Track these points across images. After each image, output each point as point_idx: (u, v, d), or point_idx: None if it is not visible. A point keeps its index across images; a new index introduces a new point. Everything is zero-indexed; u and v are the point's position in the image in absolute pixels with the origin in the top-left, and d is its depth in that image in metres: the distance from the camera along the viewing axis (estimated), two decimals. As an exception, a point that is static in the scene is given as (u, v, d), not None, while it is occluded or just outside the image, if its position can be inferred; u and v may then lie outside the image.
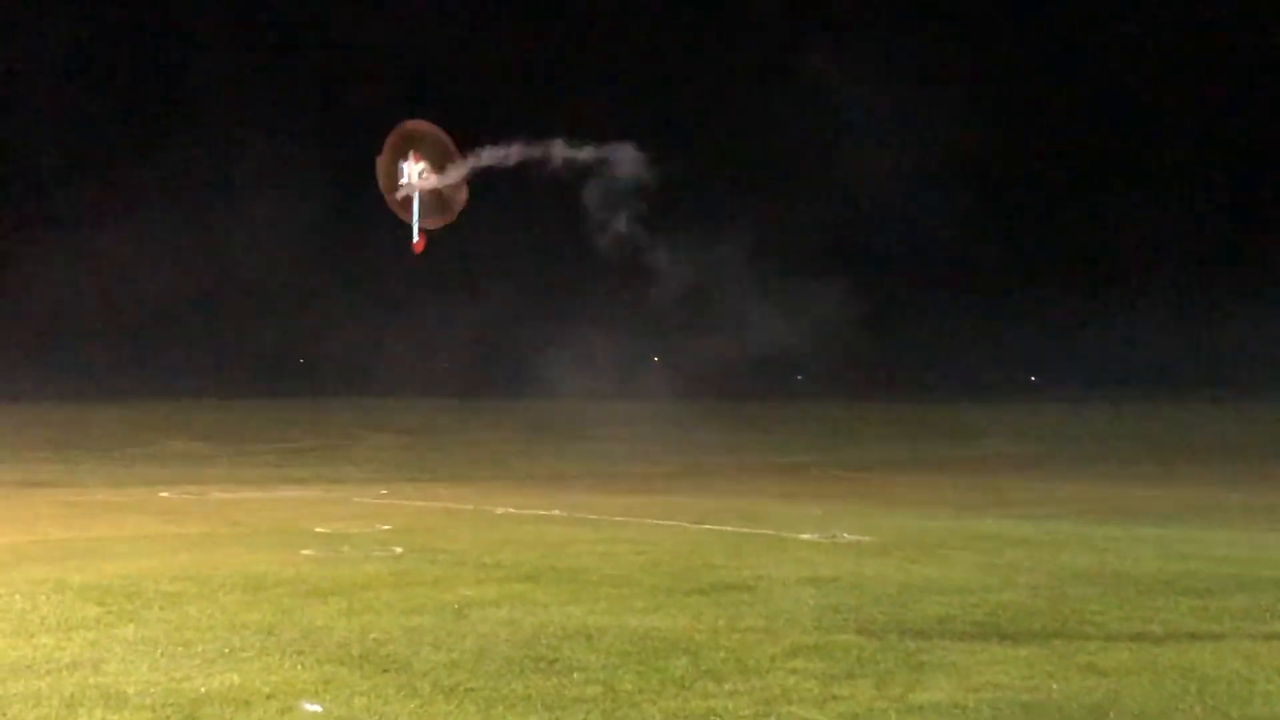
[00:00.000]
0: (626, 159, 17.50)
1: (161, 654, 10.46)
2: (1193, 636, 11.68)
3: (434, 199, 16.19)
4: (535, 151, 17.24)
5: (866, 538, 18.59)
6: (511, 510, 23.12)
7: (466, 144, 16.39)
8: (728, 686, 9.66)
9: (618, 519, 21.49)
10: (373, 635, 11.30)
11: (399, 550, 17.13)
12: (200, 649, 10.65)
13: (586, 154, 17.47)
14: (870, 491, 28.21)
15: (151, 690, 9.32)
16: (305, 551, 16.92)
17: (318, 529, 19.96)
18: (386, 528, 20.12)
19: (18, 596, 13.06)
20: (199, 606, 12.58)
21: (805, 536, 18.78)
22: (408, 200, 16.02)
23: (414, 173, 15.99)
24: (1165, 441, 43.75)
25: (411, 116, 16.94)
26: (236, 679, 9.65)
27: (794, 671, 10.12)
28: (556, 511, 22.81)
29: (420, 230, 16.12)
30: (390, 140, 16.08)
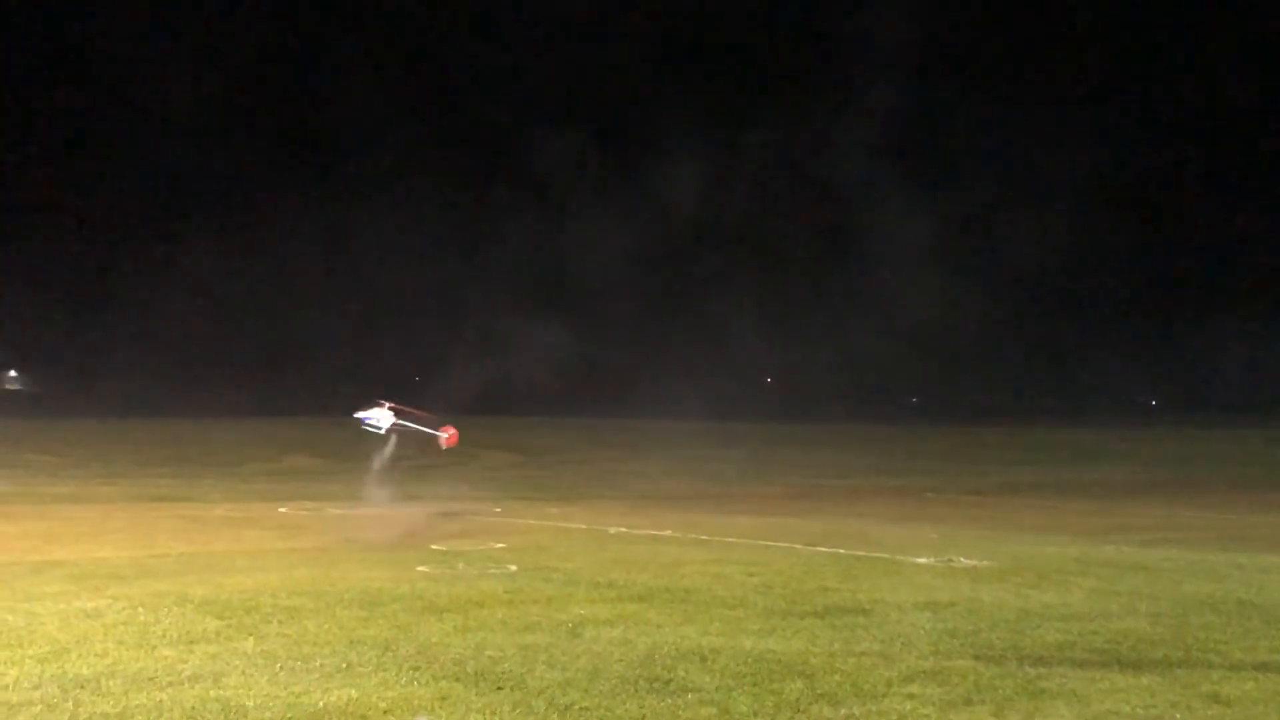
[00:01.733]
0: None
1: (280, 668, 10.60)
2: (1321, 668, 11.39)
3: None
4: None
5: (983, 562, 18.36)
6: (624, 530, 23.15)
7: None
8: (844, 711, 9.59)
9: (729, 540, 21.43)
10: (488, 652, 11.36)
11: (513, 568, 17.22)
12: (318, 664, 10.78)
13: None
14: (987, 516, 27.87)
15: (271, 704, 9.44)
16: (421, 568, 17.07)
17: (433, 546, 20.12)
18: (501, 545, 20.24)
19: (140, 610, 13.30)
20: (316, 621, 12.74)
21: (921, 560, 18.59)
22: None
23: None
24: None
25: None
26: (354, 694, 9.75)
27: (911, 697, 10.02)
28: (668, 532, 22.79)
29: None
30: None
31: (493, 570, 17.00)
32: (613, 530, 23.06)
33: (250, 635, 11.98)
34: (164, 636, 11.89)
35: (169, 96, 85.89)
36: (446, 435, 23.50)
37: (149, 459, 46.65)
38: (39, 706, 9.32)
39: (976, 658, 11.60)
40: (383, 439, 22.65)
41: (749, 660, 11.26)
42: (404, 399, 23.39)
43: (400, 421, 22.40)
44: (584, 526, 23.78)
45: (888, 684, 10.44)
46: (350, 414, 23.09)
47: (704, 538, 21.79)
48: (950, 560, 18.59)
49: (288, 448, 53.47)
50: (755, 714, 9.42)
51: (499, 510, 27.93)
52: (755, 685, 10.30)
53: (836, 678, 10.62)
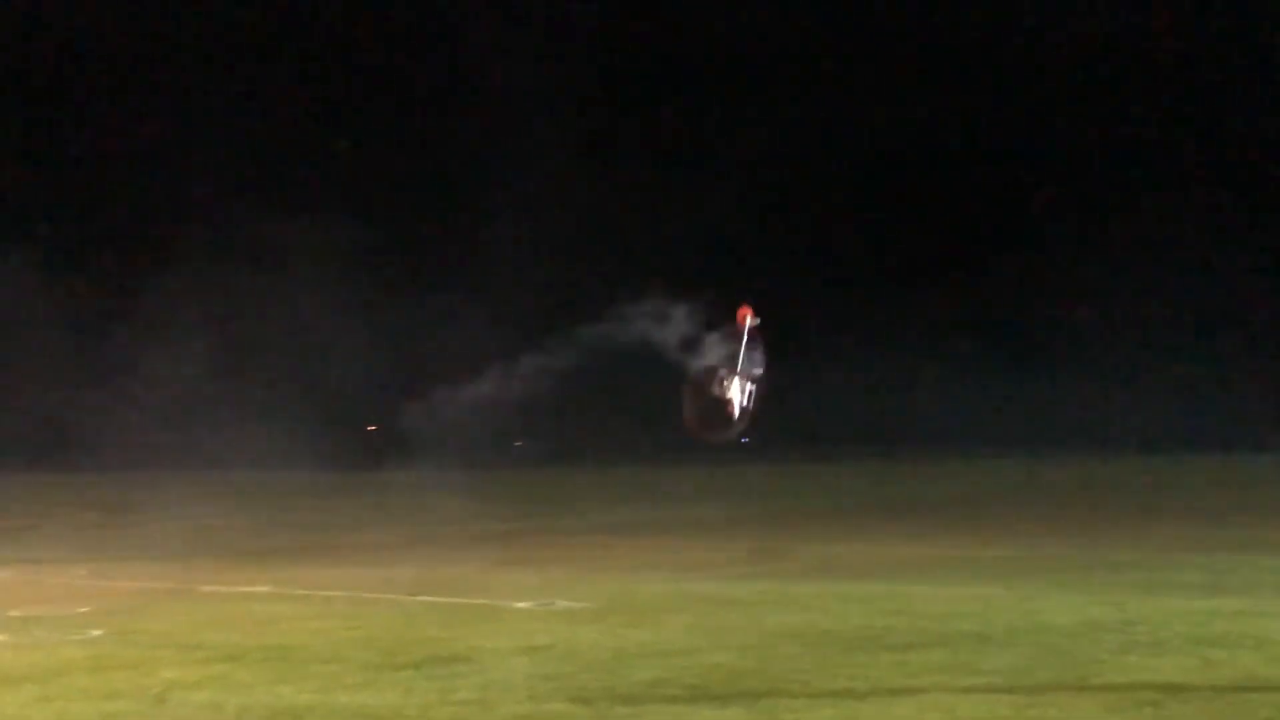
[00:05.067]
0: None
1: None
2: (893, 692, 12.05)
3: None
4: None
5: (582, 604, 18.64)
6: (217, 588, 22.45)
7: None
8: (436, 763, 9.54)
9: (330, 593, 21.08)
10: (66, 724, 10.82)
11: (97, 633, 16.47)
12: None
13: None
14: (587, 556, 28.31)
15: None
16: (-3, 637, 16.12)
17: (11, 612, 19.00)
18: (84, 609, 19.27)
19: None
20: None
21: (521, 605, 18.73)
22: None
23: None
24: (866, 498, 45.15)
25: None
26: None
27: (504, 744, 10.06)
28: (265, 588, 22.23)
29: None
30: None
31: (75, 636, 16.22)
32: (205, 588, 22.33)
33: None
34: None
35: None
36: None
37: None
38: None
39: (571, 700, 11.77)
40: None
41: (343, 717, 11.10)
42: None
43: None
44: (174, 585, 22.93)
45: (482, 732, 10.46)
46: None
47: (303, 592, 21.36)
48: (549, 603, 18.80)
49: None
50: (347, 772, 9.28)
51: (84, 572, 26.62)
52: (348, 742, 10.14)
53: (431, 729, 10.57)
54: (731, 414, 13.12)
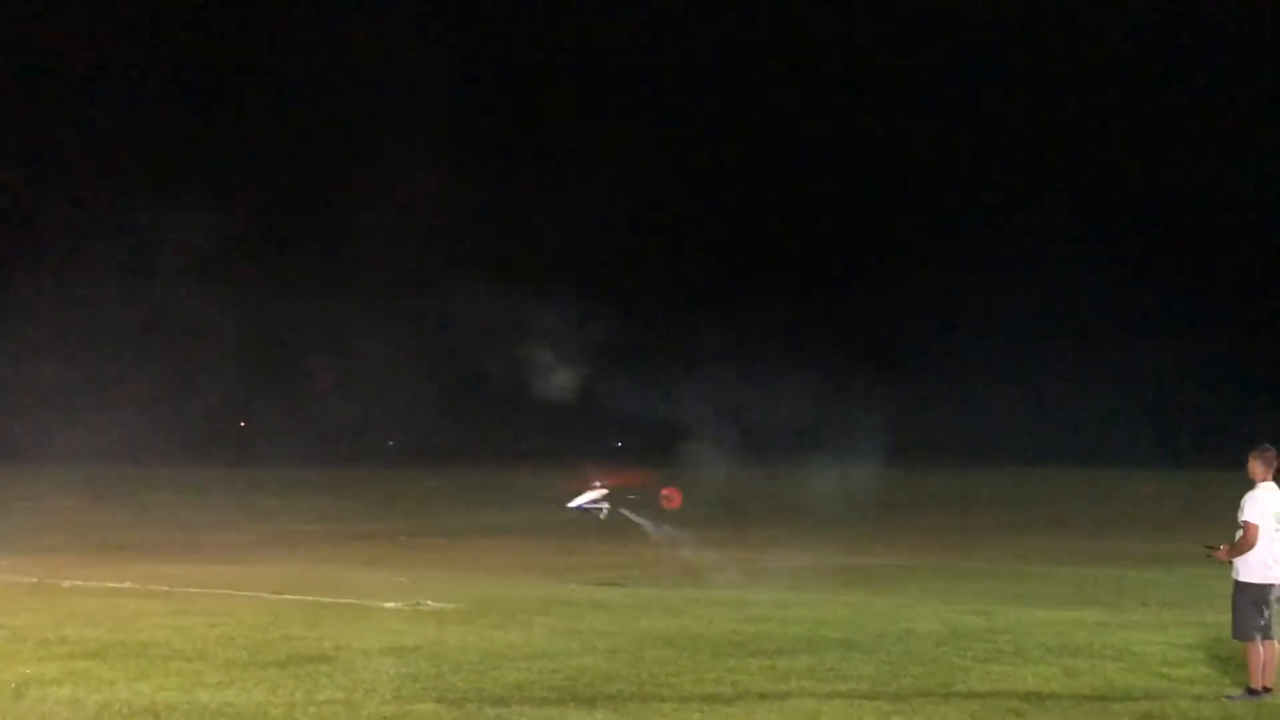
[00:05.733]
0: None
1: None
2: (761, 696, 12.11)
3: None
4: None
5: (450, 605, 18.53)
6: (79, 582, 21.99)
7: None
8: (299, 762, 9.41)
9: (193, 590, 20.74)
10: (-84, 720, 10.52)
11: (-49, 628, 16.02)
12: None
13: None
14: (458, 558, 28.15)
15: None
16: None
17: None
18: (-61, 604, 18.78)
19: None
20: None
21: (389, 605, 18.57)
22: None
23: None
24: (741, 506, 45.39)
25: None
26: None
27: (369, 744, 9.95)
28: (128, 583, 21.82)
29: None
30: None
31: (-71, 631, 15.76)
32: (66, 584, 21.85)
33: None
34: None
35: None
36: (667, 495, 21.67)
37: None
38: None
39: (439, 701, 11.68)
40: None
41: (206, 715, 10.93)
42: None
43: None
44: (35, 580, 22.42)
45: (348, 732, 10.34)
46: None
47: (166, 589, 21.00)
48: (418, 604, 18.66)
49: None
50: (208, 771, 9.12)
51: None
52: (210, 741, 9.98)
53: (296, 729, 10.43)
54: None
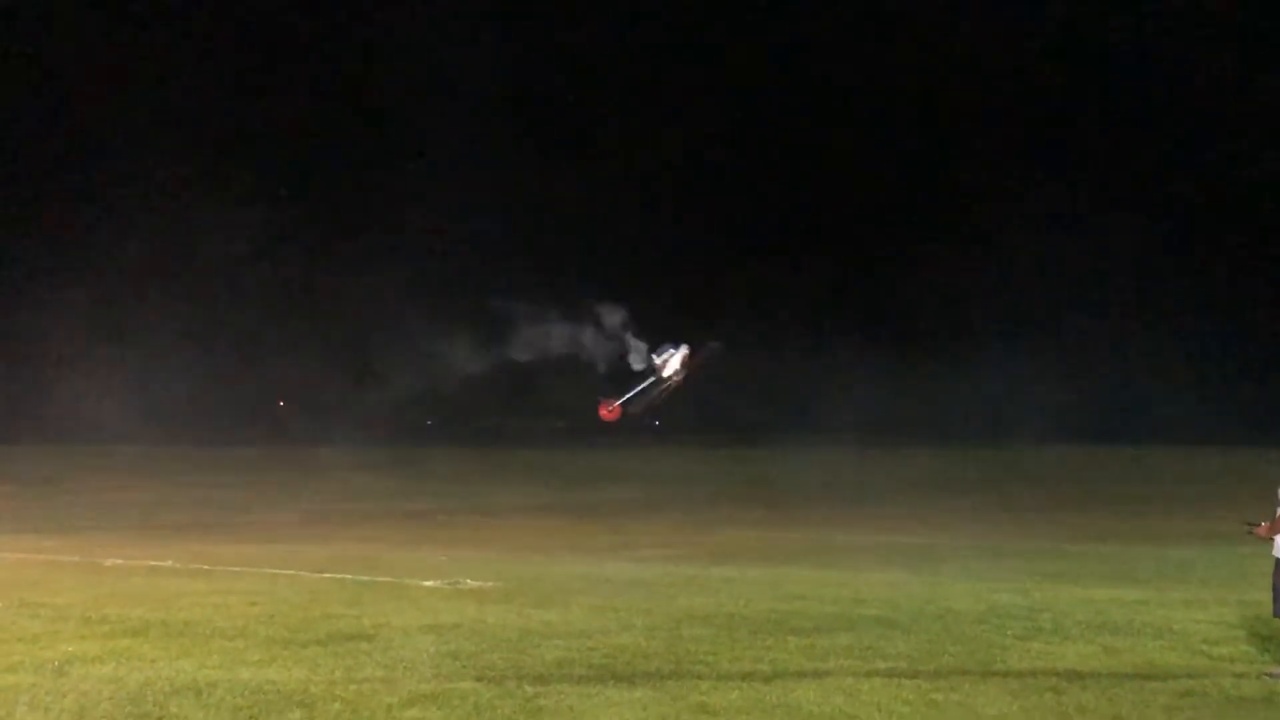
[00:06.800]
0: None
1: None
2: (799, 674, 12.10)
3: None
4: None
5: (490, 584, 18.58)
6: (120, 561, 22.16)
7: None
8: (341, 739, 9.47)
9: (234, 569, 20.86)
10: (-38, 697, 10.62)
11: (-4, 606, 16.18)
12: None
13: None
14: (497, 537, 28.23)
15: None
16: (-105, 610, 15.81)
17: (-90, 586, 18.65)
18: (-16, 582, 18.96)
19: None
20: None
21: (428, 583, 18.64)
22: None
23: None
24: (779, 484, 45.36)
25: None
26: None
27: (410, 721, 10.00)
28: (169, 562, 21.97)
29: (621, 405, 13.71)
30: None
31: (-27, 608, 15.92)
32: (108, 563, 22.03)
33: None
34: None
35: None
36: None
37: None
38: None
39: (478, 679, 11.71)
40: None
41: (246, 692, 10.97)
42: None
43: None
44: (78, 559, 22.61)
45: (388, 709, 10.39)
46: None
47: (207, 568, 21.13)
48: (457, 583, 18.72)
49: None
50: (249, 748, 9.18)
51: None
52: (251, 718, 10.04)
53: (336, 705, 10.49)
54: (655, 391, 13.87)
